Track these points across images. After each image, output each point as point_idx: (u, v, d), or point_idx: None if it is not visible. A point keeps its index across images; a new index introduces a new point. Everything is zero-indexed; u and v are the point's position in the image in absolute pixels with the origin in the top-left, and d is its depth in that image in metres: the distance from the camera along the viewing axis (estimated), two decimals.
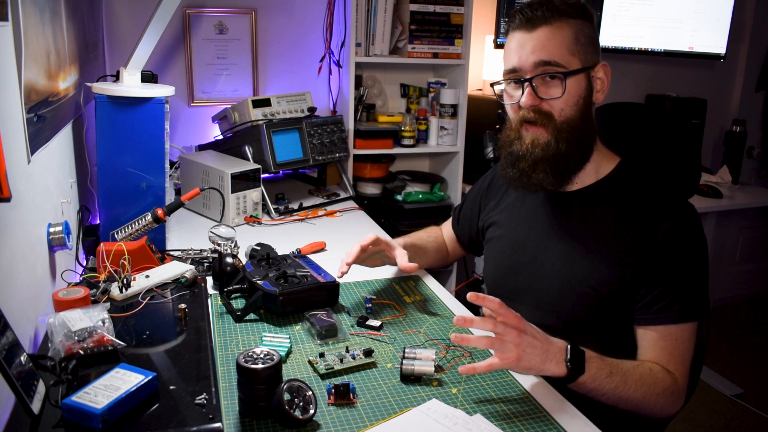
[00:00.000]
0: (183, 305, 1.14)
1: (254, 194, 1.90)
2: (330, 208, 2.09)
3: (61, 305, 1.07)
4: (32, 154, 1.08)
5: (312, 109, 2.27)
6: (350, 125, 2.40)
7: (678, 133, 1.33)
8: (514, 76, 1.16)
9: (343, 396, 0.97)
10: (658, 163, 1.30)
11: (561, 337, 1.08)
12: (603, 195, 1.20)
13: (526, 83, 1.13)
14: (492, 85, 1.25)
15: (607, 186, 1.20)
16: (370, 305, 1.29)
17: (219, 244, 1.45)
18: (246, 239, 1.59)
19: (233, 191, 1.83)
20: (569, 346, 1.04)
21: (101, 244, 1.30)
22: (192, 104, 2.46)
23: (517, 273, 1.27)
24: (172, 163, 2.12)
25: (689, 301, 1.12)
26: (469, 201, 1.51)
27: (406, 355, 1.05)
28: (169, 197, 1.62)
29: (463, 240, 1.54)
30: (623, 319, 1.16)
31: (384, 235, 1.43)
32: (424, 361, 1.04)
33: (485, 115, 2.61)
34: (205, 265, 1.47)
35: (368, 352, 1.09)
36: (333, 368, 1.05)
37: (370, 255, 1.40)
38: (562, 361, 1.03)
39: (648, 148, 1.32)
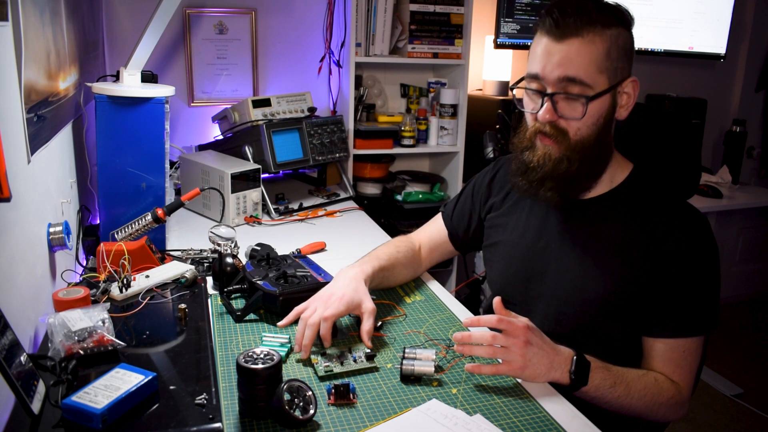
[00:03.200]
0: (183, 305, 1.14)
1: (254, 194, 1.90)
2: (330, 208, 2.09)
3: (61, 305, 1.07)
4: (32, 154, 1.08)
5: (312, 109, 2.27)
6: (350, 125, 2.40)
7: (679, 133, 1.32)
8: (536, 85, 1.10)
9: (343, 396, 0.97)
10: (667, 169, 1.27)
11: (569, 345, 1.08)
12: (616, 204, 1.17)
13: (546, 97, 1.08)
14: (511, 88, 1.18)
15: (620, 195, 1.17)
16: None
17: (219, 244, 1.45)
18: (246, 239, 1.59)
19: (233, 191, 1.83)
20: (575, 357, 1.05)
21: (101, 244, 1.30)
22: (192, 104, 2.46)
23: (527, 281, 1.24)
24: (172, 163, 2.12)
25: (700, 314, 1.12)
26: (466, 196, 1.44)
27: (406, 355, 1.05)
28: (169, 197, 1.62)
29: (457, 235, 1.44)
30: (631, 328, 1.16)
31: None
32: (424, 361, 1.04)
33: (485, 115, 2.61)
34: (205, 265, 1.47)
35: (370, 357, 1.08)
36: (333, 370, 1.05)
37: None
38: (566, 371, 1.04)
39: (650, 149, 1.30)
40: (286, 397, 0.90)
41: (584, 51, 1.05)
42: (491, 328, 1.07)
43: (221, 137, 2.32)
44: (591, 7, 1.05)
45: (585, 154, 1.11)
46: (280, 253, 1.43)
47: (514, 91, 1.17)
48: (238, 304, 1.29)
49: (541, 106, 1.09)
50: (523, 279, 1.25)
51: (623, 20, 1.08)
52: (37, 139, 1.12)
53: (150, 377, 0.87)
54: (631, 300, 1.13)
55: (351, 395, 0.97)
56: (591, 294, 1.15)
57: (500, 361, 1.04)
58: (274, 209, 1.98)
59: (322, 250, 1.69)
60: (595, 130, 1.10)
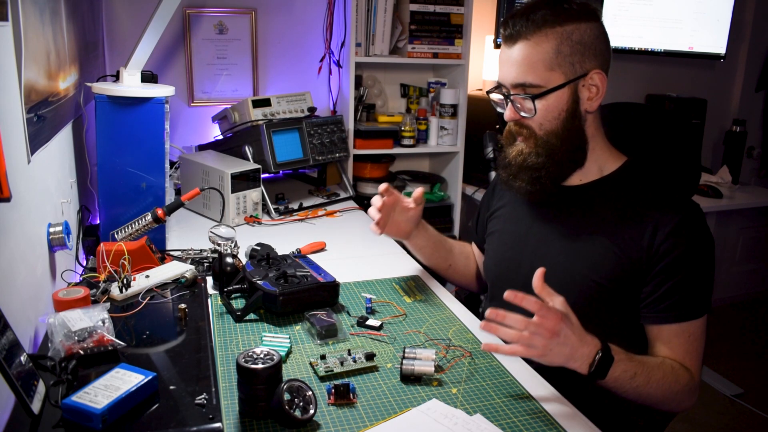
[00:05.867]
0: (183, 305, 1.14)
1: (254, 194, 1.90)
2: (330, 208, 2.09)
3: (61, 305, 1.07)
4: (32, 154, 1.08)
5: (312, 109, 2.27)
6: (350, 125, 2.40)
7: (678, 133, 1.33)
8: (502, 89, 1.19)
9: (343, 396, 0.97)
10: (662, 162, 1.30)
11: None
12: (606, 191, 1.20)
13: (508, 100, 1.18)
14: (487, 93, 1.27)
15: (611, 183, 1.21)
16: (370, 305, 1.29)
17: (219, 244, 1.45)
18: (246, 239, 1.59)
19: (233, 191, 1.83)
20: (600, 353, 1.02)
21: (101, 244, 1.30)
22: (192, 104, 2.46)
23: (518, 267, 1.27)
24: (172, 163, 2.12)
25: (699, 297, 1.13)
26: (482, 208, 1.51)
27: (406, 355, 1.05)
28: (169, 197, 1.62)
29: (483, 248, 1.49)
30: (626, 313, 1.17)
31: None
32: (424, 361, 1.04)
33: (485, 115, 2.61)
34: (205, 265, 1.47)
35: (370, 356, 1.09)
36: (333, 371, 1.05)
37: (391, 211, 1.40)
38: (586, 364, 1.03)
39: (649, 148, 1.32)
40: (286, 397, 0.90)
41: (531, 53, 1.12)
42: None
43: (221, 137, 2.32)
44: (539, 10, 1.11)
45: (552, 146, 1.17)
46: (280, 253, 1.44)
47: (492, 97, 1.25)
48: (238, 304, 1.29)
49: (507, 107, 1.19)
50: (515, 266, 1.28)
51: (580, 15, 1.12)
52: (37, 139, 1.12)
53: (150, 377, 0.87)
54: (623, 283, 1.15)
55: (351, 395, 0.97)
56: (581, 278, 1.17)
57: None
58: (274, 209, 1.98)
59: (322, 250, 1.69)
60: (558, 123, 1.16)
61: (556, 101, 1.14)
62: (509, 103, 1.18)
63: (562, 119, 1.15)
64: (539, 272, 1.05)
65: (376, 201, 1.37)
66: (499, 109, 1.23)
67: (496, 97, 1.23)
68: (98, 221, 1.58)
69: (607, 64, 1.17)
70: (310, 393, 0.93)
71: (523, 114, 1.16)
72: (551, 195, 1.24)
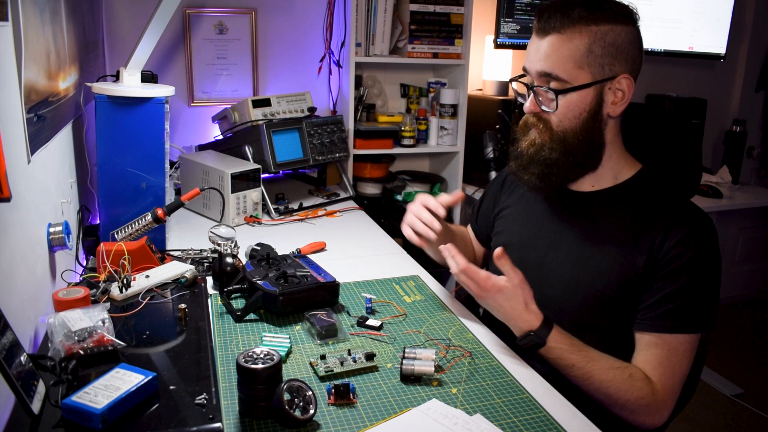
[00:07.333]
0: (183, 305, 1.14)
1: (254, 194, 1.90)
2: (330, 208, 2.09)
3: (61, 305, 1.07)
4: (32, 154, 1.08)
5: (312, 109, 2.27)
6: (350, 125, 2.40)
7: (680, 133, 1.32)
8: (526, 78, 1.17)
9: (343, 396, 0.97)
10: (674, 170, 1.28)
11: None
12: (619, 199, 1.19)
13: (530, 90, 1.15)
14: (510, 80, 1.26)
15: (625, 191, 1.19)
16: (370, 305, 1.29)
17: (219, 244, 1.45)
18: (246, 239, 1.59)
19: (233, 191, 1.83)
20: (532, 333, 1.09)
21: (101, 244, 1.30)
22: (192, 104, 2.46)
23: (525, 269, 1.24)
24: (172, 163, 2.12)
25: (690, 312, 1.10)
26: (488, 198, 1.49)
27: (406, 355, 1.05)
28: (169, 197, 1.62)
29: (482, 237, 1.51)
30: (629, 323, 1.15)
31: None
32: (424, 361, 1.04)
33: (485, 115, 2.61)
34: (205, 265, 1.47)
35: (370, 356, 1.08)
36: (333, 371, 1.05)
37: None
38: (517, 333, 1.11)
39: (657, 150, 1.30)
40: (286, 397, 0.90)
41: (561, 47, 1.10)
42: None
43: (221, 137, 2.32)
44: (576, 7, 1.09)
45: (567, 145, 1.15)
46: (280, 253, 1.44)
47: (514, 85, 1.23)
48: (238, 304, 1.29)
49: (528, 97, 1.17)
50: (522, 268, 1.25)
51: (617, 17, 1.10)
52: (37, 139, 1.12)
53: (150, 377, 0.87)
54: (627, 293, 1.13)
55: (351, 395, 0.97)
56: (587, 286, 1.16)
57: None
58: (274, 209, 1.98)
59: (322, 250, 1.69)
60: (578, 123, 1.13)
61: (579, 100, 1.12)
62: (531, 95, 1.15)
63: (582, 119, 1.13)
64: (499, 250, 1.10)
65: (430, 223, 1.37)
66: (519, 100, 1.22)
67: (518, 86, 1.21)
68: (98, 221, 1.58)
69: (638, 71, 1.14)
70: (310, 393, 0.93)
71: (544, 108, 1.14)
72: (563, 199, 1.23)
